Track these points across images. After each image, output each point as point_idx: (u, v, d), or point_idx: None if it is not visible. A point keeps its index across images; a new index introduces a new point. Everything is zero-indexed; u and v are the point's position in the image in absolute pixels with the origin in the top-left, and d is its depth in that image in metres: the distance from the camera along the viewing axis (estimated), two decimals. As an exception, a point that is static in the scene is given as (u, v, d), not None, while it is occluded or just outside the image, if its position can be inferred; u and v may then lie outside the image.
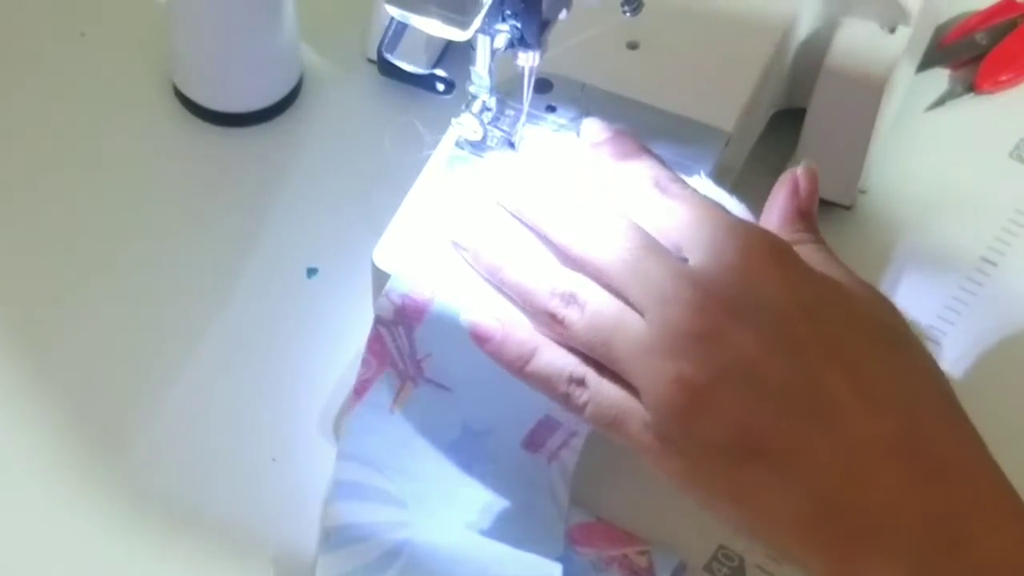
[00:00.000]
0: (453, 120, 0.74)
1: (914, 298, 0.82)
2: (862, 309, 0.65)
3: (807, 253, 0.68)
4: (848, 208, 0.84)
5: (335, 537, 0.71)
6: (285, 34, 0.86)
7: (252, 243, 0.83)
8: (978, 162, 0.88)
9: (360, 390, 0.73)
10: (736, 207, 0.72)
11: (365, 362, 0.73)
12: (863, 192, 0.85)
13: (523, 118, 0.76)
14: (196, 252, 0.83)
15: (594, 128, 0.74)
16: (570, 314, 0.67)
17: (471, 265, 0.71)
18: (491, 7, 0.66)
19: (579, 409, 0.67)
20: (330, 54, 0.90)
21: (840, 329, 0.63)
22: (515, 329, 0.69)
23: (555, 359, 0.68)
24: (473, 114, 0.74)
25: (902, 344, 0.65)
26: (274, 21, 0.84)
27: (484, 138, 0.75)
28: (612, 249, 0.67)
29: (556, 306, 0.68)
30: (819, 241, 0.70)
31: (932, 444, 0.61)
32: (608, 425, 0.66)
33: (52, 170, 0.86)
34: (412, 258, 0.72)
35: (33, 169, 0.86)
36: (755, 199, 0.85)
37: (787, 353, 0.62)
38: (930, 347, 0.78)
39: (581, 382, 0.67)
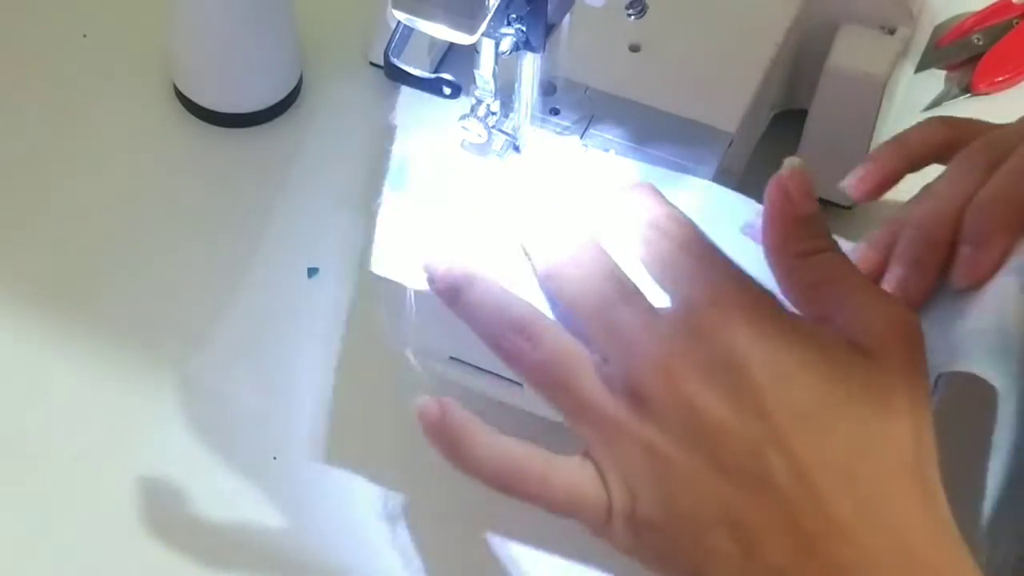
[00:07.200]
0: (458, 123, 0.74)
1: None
2: (838, 369, 0.61)
3: (822, 263, 0.64)
4: (848, 208, 0.84)
5: None
6: (285, 34, 0.86)
7: (253, 243, 0.83)
8: (975, 163, 0.89)
9: None
10: (743, 205, 0.72)
11: None
12: (862, 193, 0.85)
13: (527, 121, 0.76)
14: (196, 252, 0.83)
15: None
16: (520, 343, 0.61)
17: (432, 288, 0.64)
18: (496, 10, 0.66)
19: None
20: (330, 55, 0.90)
21: (809, 396, 0.60)
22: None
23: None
24: (477, 118, 0.74)
25: (879, 412, 0.60)
26: (274, 21, 0.84)
27: (488, 141, 0.75)
28: (586, 286, 0.63)
29: (504, 332, 0.61)
30: (830, 248, 0.64)
31: (888, 523, 0.59)
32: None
33: (53, 170, 0.86)
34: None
35: (34, 169, 0.86)
36: (757, 200, 0.85)
37: (753, 420, 0.59)
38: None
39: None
